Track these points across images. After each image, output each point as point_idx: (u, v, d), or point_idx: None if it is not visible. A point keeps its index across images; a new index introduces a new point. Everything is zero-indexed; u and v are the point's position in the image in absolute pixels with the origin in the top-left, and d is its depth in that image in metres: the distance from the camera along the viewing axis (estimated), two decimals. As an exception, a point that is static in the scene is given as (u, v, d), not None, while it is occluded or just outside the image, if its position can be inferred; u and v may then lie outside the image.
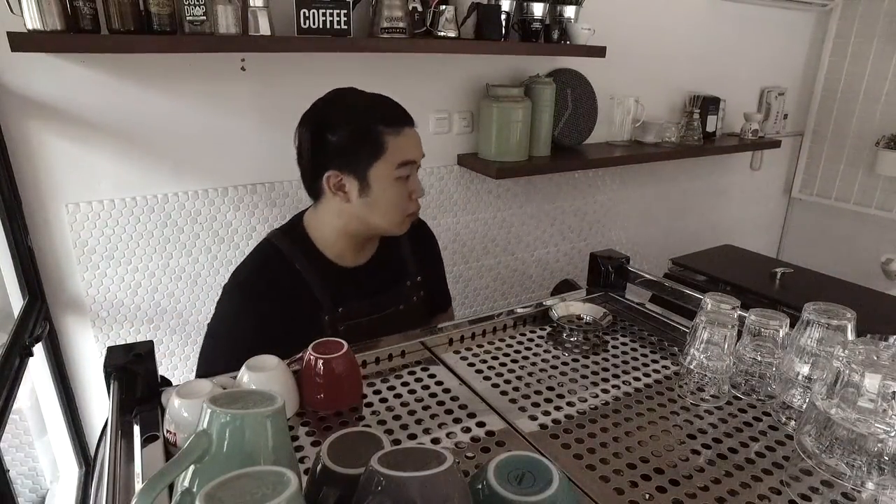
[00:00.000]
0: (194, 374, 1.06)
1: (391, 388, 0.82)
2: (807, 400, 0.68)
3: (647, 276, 1.14)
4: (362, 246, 1.12)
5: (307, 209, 1.14)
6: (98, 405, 1.54)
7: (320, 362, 0.75)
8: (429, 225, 1.31)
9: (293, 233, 1.11)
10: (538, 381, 0.85)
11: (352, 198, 1.03)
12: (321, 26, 1.38)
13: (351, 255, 1.11)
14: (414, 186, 1.06)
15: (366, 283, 1.12)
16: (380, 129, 1.01)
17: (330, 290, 1.07)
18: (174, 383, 0.80)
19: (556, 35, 1.79)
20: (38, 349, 1.35)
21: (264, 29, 1.33)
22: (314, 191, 1.07)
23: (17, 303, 1.31)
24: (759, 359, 0.79)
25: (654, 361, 0.91)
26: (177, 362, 1.62)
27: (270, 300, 1.03)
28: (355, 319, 1.09)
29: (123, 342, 0.90)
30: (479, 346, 0.95)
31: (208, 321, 1.09)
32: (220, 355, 1.04)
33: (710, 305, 0.82)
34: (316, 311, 1.06)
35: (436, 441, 0.71)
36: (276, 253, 1.07)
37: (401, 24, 1.49)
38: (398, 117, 1.04)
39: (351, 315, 1.08)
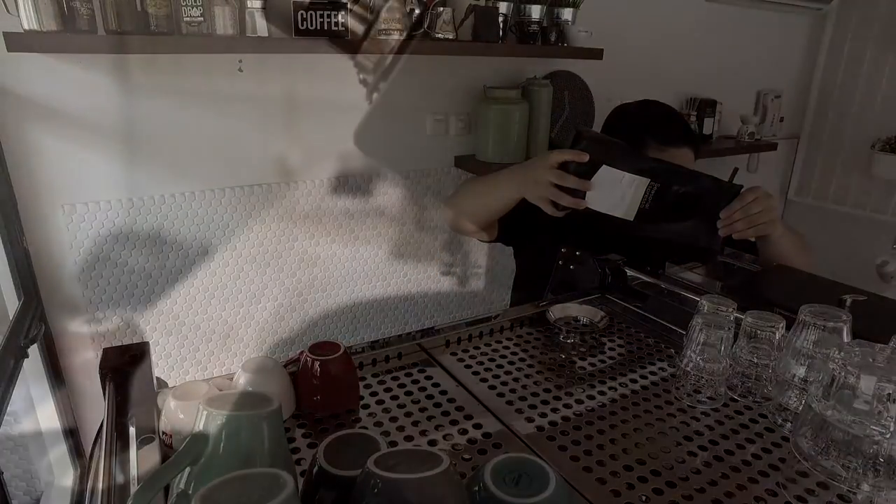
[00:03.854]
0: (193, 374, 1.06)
1: (388, 389, 0.82)
2: (803, 402, 0.68)
3: (643, 277, 1.14)
4: None
5: None
6: (93, 407, 1.54)
7: (317, 364, 0.74)
8: (426, 226, 1.30)
9: None
10: (535, 382, 0.85)
11: None
12: (318, 28, 1.38)
13: None
14: None
15: None
16: (647, 141, 1.21)
17: None
18: (170, 385, 0.79)
19: (553, 37, 1.79)
20: (34, 350, 1.34)
21: (261, 30, 1.33)
22: None
23: (12, 304, 1.30)
24: (755, 361, 0.79)
25: (651, 363, 0.91)
26: (173, 364, 1.62)
27: None
28: None
29: (119, 343, 0.90)
30: (476, 347, 0.95)
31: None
32: None
33: (706, 307, 0.82)
34: None
35: (432, 443, 0.71)
36: None
37: (398, 26, 1.49)
38: (667, 136, 1.22)
39: None
